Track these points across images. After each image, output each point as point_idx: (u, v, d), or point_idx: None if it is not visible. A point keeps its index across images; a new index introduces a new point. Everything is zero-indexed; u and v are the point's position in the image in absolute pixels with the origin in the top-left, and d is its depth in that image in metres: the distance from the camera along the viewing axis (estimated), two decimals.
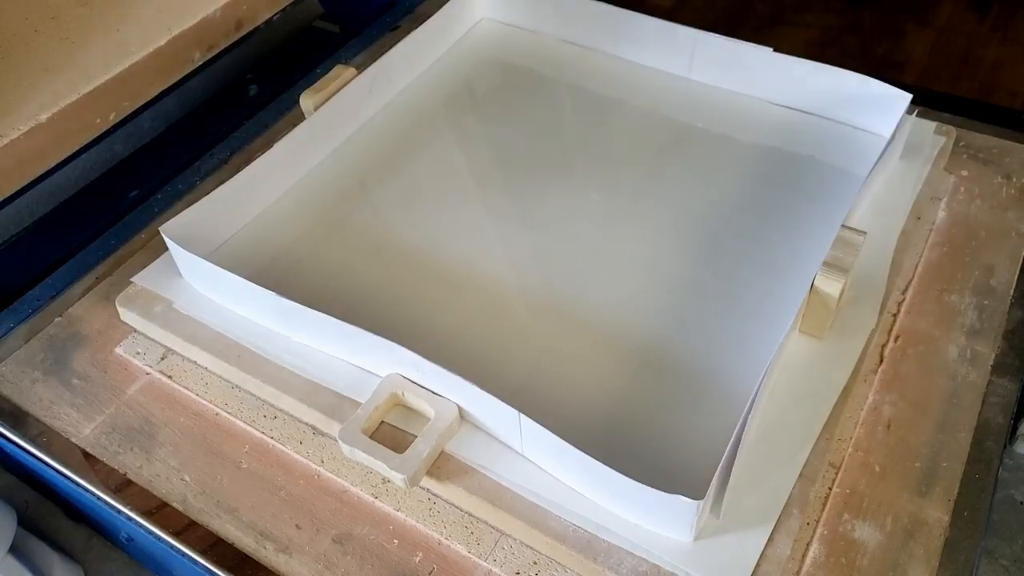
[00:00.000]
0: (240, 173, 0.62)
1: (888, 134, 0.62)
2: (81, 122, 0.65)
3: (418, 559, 0.48)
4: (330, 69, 0.70)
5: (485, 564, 0.47)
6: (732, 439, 0.44)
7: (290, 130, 0.66)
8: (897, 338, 0.56)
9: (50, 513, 0.58)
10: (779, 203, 0.64)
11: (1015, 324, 0.57)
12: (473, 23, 0.82)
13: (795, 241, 0.61)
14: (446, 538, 0.48)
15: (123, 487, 0.52)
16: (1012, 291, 0.58)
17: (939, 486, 0.49)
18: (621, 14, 0.75)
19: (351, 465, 0.51)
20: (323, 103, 0.68)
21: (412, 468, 0.47)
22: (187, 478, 0.52)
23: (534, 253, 0.62)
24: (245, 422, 0.54)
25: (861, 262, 0.55)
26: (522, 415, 0.46)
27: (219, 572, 0.48)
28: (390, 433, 0.51)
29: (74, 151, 0.66)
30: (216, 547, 0.49)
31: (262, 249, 0.63)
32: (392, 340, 0.50)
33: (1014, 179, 0.66)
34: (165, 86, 0.71)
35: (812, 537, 0.47)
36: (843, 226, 0.53)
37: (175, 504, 0.51)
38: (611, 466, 0.43)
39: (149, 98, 0.70)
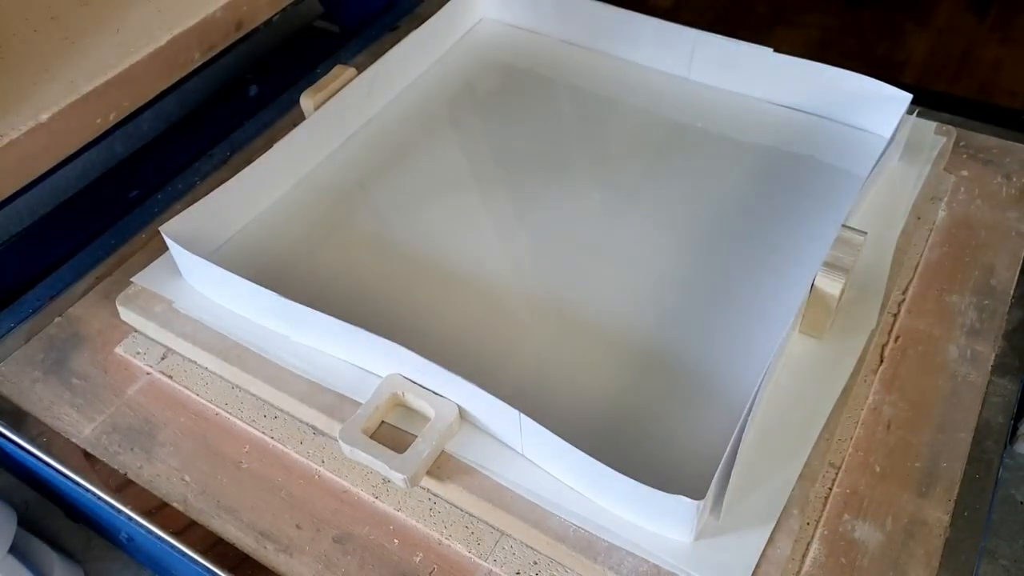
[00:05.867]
0: (240, 173, 0.62)
1: (888, 134, 0.62)
2: (81, 122, 0.65)
3: (418, 559, 0.48)
4: (330, 69, 0.70)
5: (485, 564, 0.47)
6: (732, 439, 0.44)
7: (290, 130, 0.66)
8: (897, 338, 0.56)
9: (50, 513, 0.58)
10: (779, 203, 0.64)
11: (1015, 324, 0.57)
12: (473, 23, 0.83)
13: (795, 241, 0.61)
14: (446, 538, 0.48)
15: (123, 487, 0.52)
16: (1012, 291, 0.58)
17: (939, 486, 0.49)
18: (621, 14, 0.75)
19: (351, 465, 0.51)
20: (323, 103, 0.68)
21: (412, 468, 0.47)
22: (187, 478, 0.52)
23: (534, 253, 0.62)
24: (245, 422, 0.54)
25: (861, 262, 0.55)
26: (522, 415, 0.46)
27: (219, 572, 0.48)
28: (390, 433, 0.51)
29: (74, 151, 0.66)
30: (216, 547, 0.49)
31: (262, 249, 0.63)
32: (392, 340, 0.50)
33: (1014, 179, 0.66)
34: (165, 86, 0.71)
35: (812, 537, 0.47)
36: (843, 226, 0.53)
37: (175, 504, 0.51)
38: (611, 466, 0.43)
39: (149, 98, 0.70)
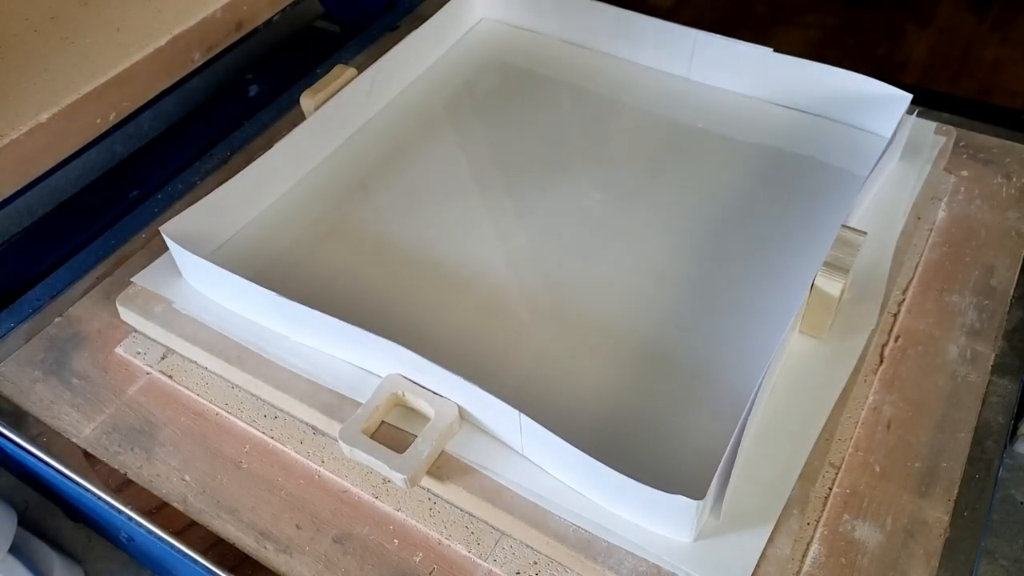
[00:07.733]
0: (240, 173, 0.62)
1: (888, 134, 0.62)
2: (81, 122, 0.65)
3: (418, 559, 0.48)
4: (330, 69, 0.70)
5: (485, 564, 0.47)
6: (732, 439, 0.44)
7: (290, 130, 0.66)
8: (897, 338, 0.56)
9: (50, 513, 0.58)
10: (779, 203, 0.64)
11: (1015, 324, 0.57)
12: (473, 23, 0.83)
13: (795, 241, 0.61)
14: (446, 538, 0.48)
15: (123, 487, 0.52)
16: (1012, 291, 0.58)
17: (939, 486, 0.49)
18: (621, 14, 0.75)
19: (351, 465, 0.51)
20: (323, 103, 0.68)
21: (412, 468, 0.47)
22: (187, 478, 0.52)
23: (534, 253, 0.62)
24: (245, 422, 0.54)
25: (861, 262, 0.55)
26: (522, 415, 0.46)
27: (219, 572, 0.48)
28: (390, 433, 0.51)
29: (74, 151, 0.66)
30: (216, 547, 0.49)
31: (262, 249, 0.63)
32: (392, 340, 0.50)
33: (1014, 179, 0.66)
34: (165, 86, 0.71)
35: (812, 537, 0.47)
36: (843, 226, 0.53)
37: (175, 504, 0.51)
38: (611, 466, 0.43)
39: (149, 98, 0.70)
